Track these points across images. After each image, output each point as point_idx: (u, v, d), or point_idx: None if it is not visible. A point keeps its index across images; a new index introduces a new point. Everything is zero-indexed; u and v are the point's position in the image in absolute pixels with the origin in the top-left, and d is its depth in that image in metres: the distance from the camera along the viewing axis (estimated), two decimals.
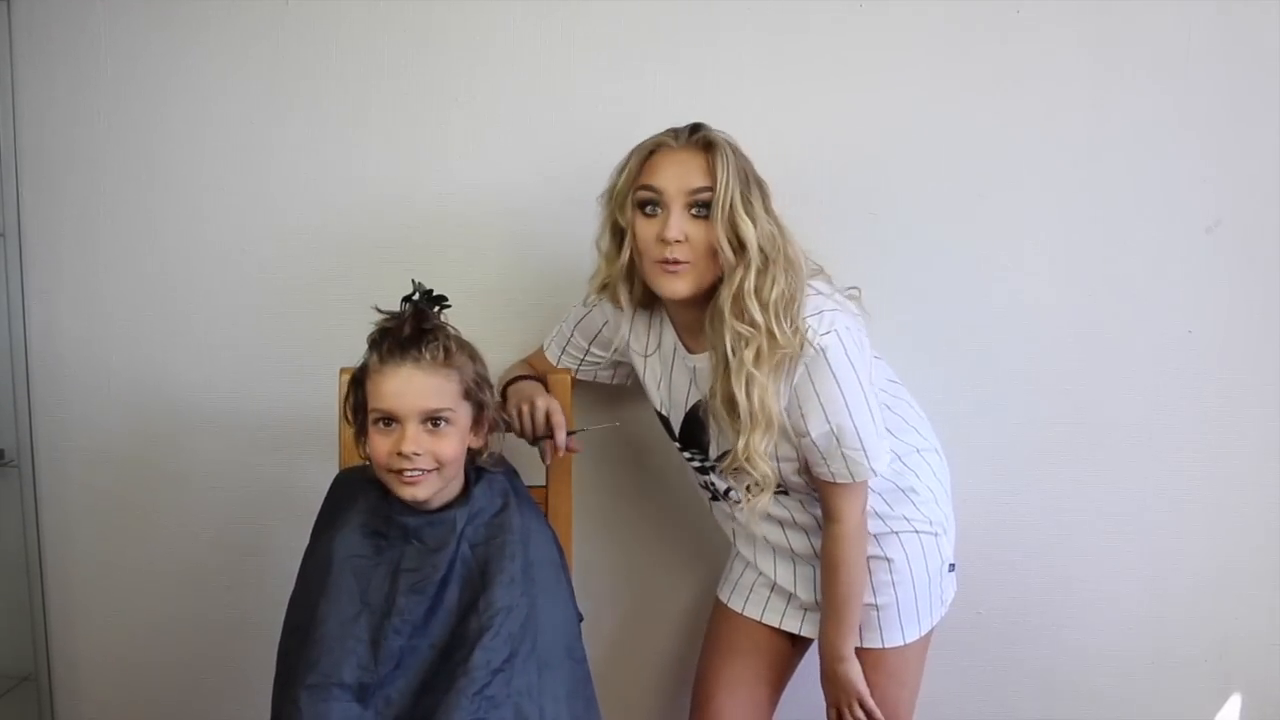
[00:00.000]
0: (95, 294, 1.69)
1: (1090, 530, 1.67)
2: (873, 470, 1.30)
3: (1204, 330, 1.62)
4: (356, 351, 1.21)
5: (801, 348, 1.23)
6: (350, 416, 1.24)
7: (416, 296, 1.21)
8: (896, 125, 1.58)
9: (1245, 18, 1.54)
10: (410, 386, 1.15)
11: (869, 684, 1.39)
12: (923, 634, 1.42)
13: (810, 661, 1.46)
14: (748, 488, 1.32)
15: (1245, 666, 1.71)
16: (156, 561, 1.74)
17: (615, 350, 1.46)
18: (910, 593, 1.39)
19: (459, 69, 1.60)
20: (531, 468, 1.41)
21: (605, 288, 1.35)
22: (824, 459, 1.29)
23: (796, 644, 1.50)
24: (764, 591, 1.48)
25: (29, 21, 1.63)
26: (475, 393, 1.20)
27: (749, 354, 1.22)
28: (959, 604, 1.69)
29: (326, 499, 1.30)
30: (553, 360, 1.51)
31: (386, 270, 1.60)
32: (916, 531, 1.39)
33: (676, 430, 1.41)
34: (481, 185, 1.62)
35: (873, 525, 1.36)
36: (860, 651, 1.39)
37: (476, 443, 1.23)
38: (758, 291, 1.22)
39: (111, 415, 1.71)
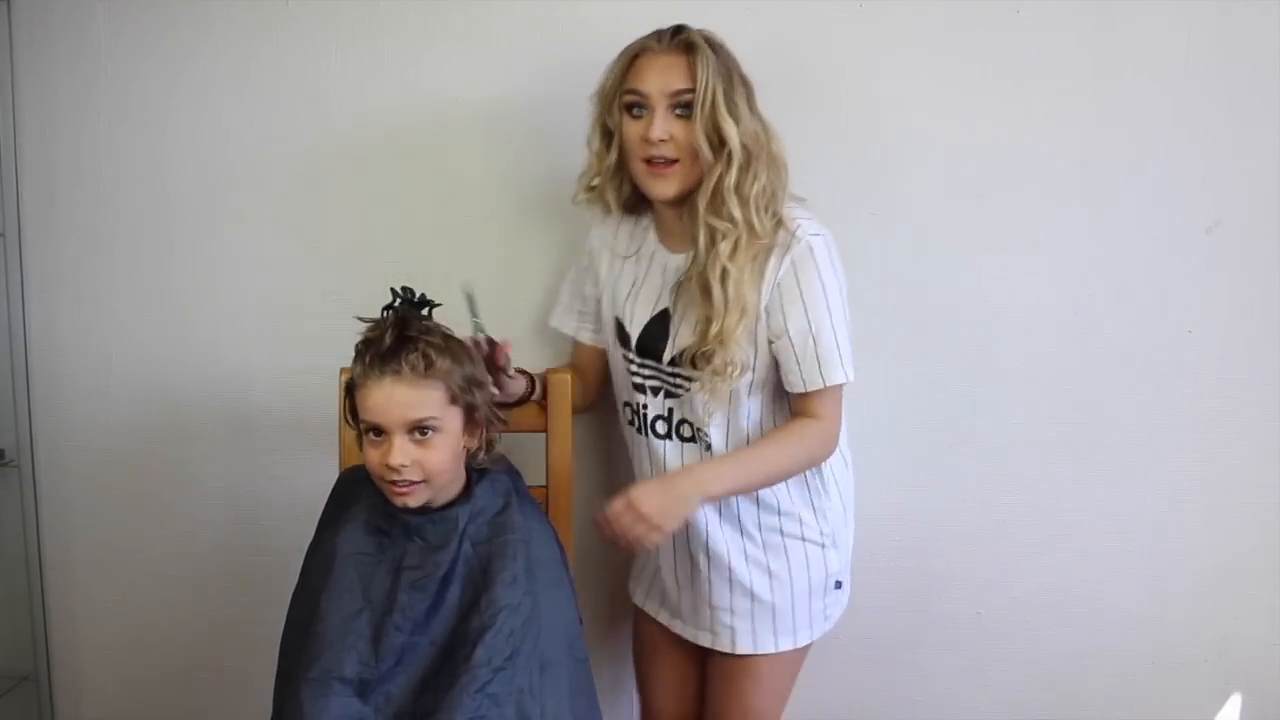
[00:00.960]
0: (95, 294, 1.69)
1: (1090, 530, 1.66)
2: (845, 373, 1.30)
3: (1204, 330, 1.61)
4: None
5: (781, 241, 1.27)
6: (350, 420, 1.25)
7: (398, 304, 1.21)
8: (896, 125, 1.58)
9: (1245, 18, 1.54)
10: (392, 400, 1.15)
11: (736, 690, 1.40)
12: (798, 646, 1.41)
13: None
14: (712, 372, 1.28)
15: (1245, 666, 1.71)
16: (156, 561, 1.75)
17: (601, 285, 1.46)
18: (788, 601, 1.38)
19: (459, 69, 1.60)
20: (532, 468, 1.41)
21: (592, 189, 1.39)
22: (798, 363, 1.29)
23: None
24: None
25: (29, 21, 1.63)
26: (463, 396, 1.20)
27: (725, 247, 1.25)
28: (959, 604, 1.69)
29: (331, 496, 1.31)
30: (556, 324, 1.54)
31: (389, 270, 1.58)
32: (804, 540, 1.38)
33: (634, 337, 1.39)
34: (482, 186, 1.63)
35: (766, 524, 1.37)
36: (731, 658, 1.39)
37: (471, 443, 1.23)
38: (738, 188, 1.25)
39: (111, 415, 1.72)
